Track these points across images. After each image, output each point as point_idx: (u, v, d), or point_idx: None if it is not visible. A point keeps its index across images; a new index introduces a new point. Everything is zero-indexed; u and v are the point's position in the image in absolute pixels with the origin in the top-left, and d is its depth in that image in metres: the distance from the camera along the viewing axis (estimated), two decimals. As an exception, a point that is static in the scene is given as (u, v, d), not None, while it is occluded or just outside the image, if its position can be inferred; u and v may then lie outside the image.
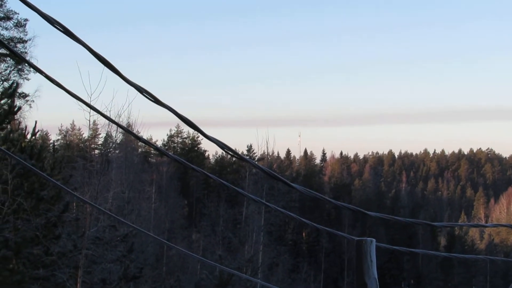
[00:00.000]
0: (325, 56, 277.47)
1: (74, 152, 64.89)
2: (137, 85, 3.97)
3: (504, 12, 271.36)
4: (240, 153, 4.63)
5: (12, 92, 24.24)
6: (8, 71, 50.71)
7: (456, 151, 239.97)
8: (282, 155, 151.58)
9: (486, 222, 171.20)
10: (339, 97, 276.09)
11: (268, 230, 65.20)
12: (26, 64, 52.55)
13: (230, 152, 4.32)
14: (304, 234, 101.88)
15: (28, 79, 53.76)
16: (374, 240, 4.53)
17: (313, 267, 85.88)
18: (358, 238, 4.56)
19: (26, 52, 51.13)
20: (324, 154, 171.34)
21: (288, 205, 76.17)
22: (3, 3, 50.77)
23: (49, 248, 25.32)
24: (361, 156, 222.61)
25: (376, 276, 4.53)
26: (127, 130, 5.20)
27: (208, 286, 48.27)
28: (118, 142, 63.22)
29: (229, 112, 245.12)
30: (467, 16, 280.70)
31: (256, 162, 5.69)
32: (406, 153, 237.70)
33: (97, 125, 54.90)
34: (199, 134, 4.22)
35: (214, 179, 4.83)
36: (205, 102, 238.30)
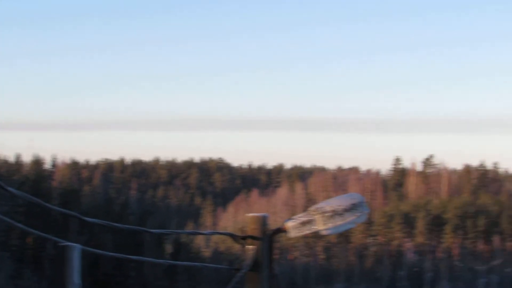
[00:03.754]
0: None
1: None
2: None
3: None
4: None
5: None
6: None
7: (187, 159, 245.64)
8: (13, 159, 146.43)
9: (215, 230, 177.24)
10: (71, 103, 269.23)
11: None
12: None
13: None
14: (29, 240, 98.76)
15: None
16: (78, 245, 4.52)
17: (37, 274, 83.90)
18: (62, 244, 4.53)
19: None
20: (54, 159, 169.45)
21: (12, 210, 73.40)
22: None
23: None
24: (92, 163, 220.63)
25: (79, 282, 4.53)
26: None
27: None
28: None
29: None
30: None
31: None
32: (137, 160, 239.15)
33: None
34: None
35: None
36: None
